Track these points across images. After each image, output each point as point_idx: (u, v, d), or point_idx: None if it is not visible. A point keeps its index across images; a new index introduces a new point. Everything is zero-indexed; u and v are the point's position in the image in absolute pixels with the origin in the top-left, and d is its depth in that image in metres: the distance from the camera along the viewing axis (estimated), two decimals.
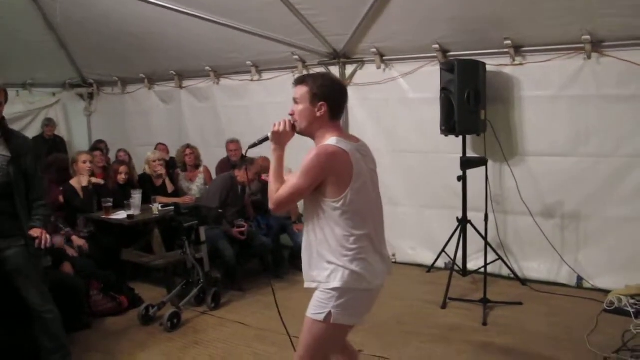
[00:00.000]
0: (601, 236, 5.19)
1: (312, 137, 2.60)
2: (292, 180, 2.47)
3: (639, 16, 4.52)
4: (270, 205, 2.54)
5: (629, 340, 4.13)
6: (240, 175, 5.71)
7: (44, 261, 4.37)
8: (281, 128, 2.56)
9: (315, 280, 2.52)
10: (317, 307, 2.48)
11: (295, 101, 2.57)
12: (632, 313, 4.60)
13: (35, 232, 3.44)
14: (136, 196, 5.61)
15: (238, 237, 5.48)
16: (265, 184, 6.16)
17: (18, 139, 3.54)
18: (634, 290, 4.89)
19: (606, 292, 5.02)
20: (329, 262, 2.46)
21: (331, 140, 2.49)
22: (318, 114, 2.52)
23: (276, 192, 2.50)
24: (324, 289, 2.47)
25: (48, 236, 3.52)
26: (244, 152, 2.66)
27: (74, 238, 5.12)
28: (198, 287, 4.92)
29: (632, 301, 4.76)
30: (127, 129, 8.81)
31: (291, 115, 2.58)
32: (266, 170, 6.09)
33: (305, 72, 6.69)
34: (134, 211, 5.52)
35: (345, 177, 2.43)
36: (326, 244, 2.48)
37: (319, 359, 2.61)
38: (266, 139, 2.63)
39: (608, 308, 4.77)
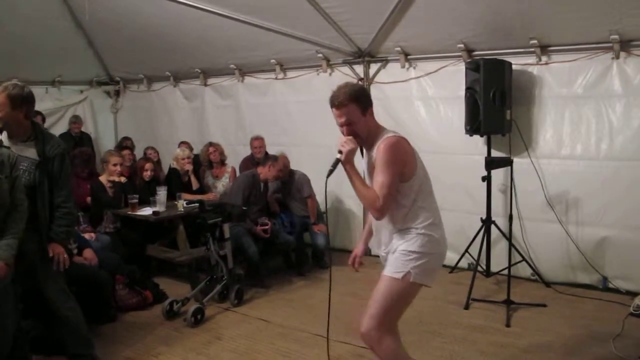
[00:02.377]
0: (627, 239, 5.10)
1: (368, 139, 2.84)
2: (379, 180, 2.68)
3: None
4: (376, 214, 2.73)
5: None
6: (263, 172, 5.76)
7: (72, 249, 4.48)
8: (350, 147, 2.74)
9: (395, 247, 2.83)
10: (397, 267, 2.78)
11: (348, 122, 2.76)
12: None
13: (53, 250, 3.44)
14: (161, 193, 5.69)
15: (261, 235, 5.53)
16: (284, 183, 6.20)
17: (52, 145, 3.50)
18: None
19: (633, 295, 4.94)
20: (410, 230, 2.80)
21: (388, 132, 2.81)
22: (369, 119, 2.81)
23: (373, 199, 2.67)
24: (404, 251, 2.78)
25: (66, 256, 3.53)
26: (325, 180, 2.83)
27: (86, 251, 4.73)
28: (221, 284, 4.98)
29: None
30: (152, 126, 8.92)
31: (352, 137, 2.77)
32: (286, 167, 6.14)
33: (329, 71, 6.72)
34: (159, 207, 5.60)
35: (412, 159, 2.80)
36: (405, 217, 2.80)
37: (391, 318, 2.88)
38: (338, 161, 2.77)
39: (635, 312, 4.69)
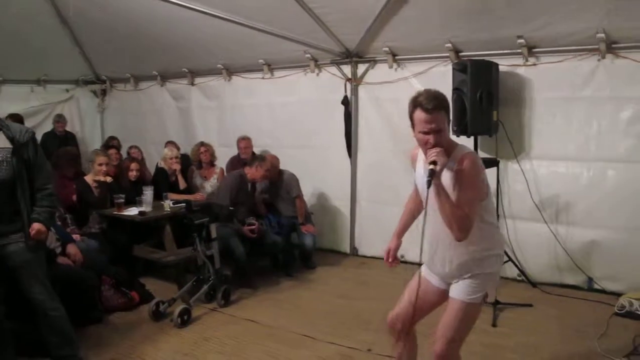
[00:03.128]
0: (612, 240, 5.15)
1: (447, 152, 2.61)
2: (467, 197, 2.54)
3: None
4: (461, 235, 2.54)
5: (639, 344, 4.12)
6: (250, 172, 5.74)
7: (55, 248, 4.43)
8: (444, 158, 2.51)
9: (471, 272, 2.69)
10: (473, 292, 2.68)
11: (438, 129, 2.54)
12: None
13: (34, 228, 3.37)
14: (147, 193, 5.65)
15: (249, 235, 5.51)
16: (272, 183, 6.18)
17: (21, 131, 3.43)
18: None
19: (617, 295, 4.99)
20: (485, 251, 2.69)
21: (464, 147, 2.69)
22: (449, 132, 2.68)
23: (462, 218, 2.51)
24: (479, 274, 2.68)
25: (46, 231, 3.47)
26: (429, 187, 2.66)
27: (70, 247, 4.71)
28: (208, 284, 4.95)
29: None
30: (138, 126, 8.87)
31: (433, 144, 2.54)
32: (275, 168, 6.14)
33: (317, 71, 6.72)
34: (146, 208, 5.56)
35: (485, 177, 2.68)
36: (480, 236, 2.64)
37: (464, 340, 2.80)
38: (433, 172, 2.49)
39: (619, 311, 4.75)
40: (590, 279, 5.28)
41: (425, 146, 2.57)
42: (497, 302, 4.67)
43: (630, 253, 5.07)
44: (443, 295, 2.86)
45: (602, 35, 4.84)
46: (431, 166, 2.48)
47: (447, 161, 2.52)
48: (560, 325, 4.49)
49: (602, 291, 5.19)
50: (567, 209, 5.31)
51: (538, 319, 4.64)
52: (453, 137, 4.86)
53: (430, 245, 2.83)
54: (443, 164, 2.49)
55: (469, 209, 2.51)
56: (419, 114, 2.55)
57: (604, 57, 5.02)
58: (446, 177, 2.58)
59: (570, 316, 4.72)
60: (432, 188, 2.48)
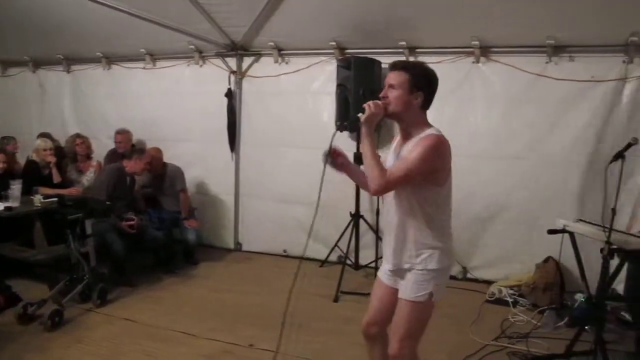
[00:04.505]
0: (483, 230, 5.52)
1: (402, 122, 2.63)
2: (406, 164, 2.46)
3: (522, 25, 4.86)
4: (375, 186, 2.48)
5: (507, 328, 4.46)
6: (129, 165, 5.52)
7: None
8: (375, 110, 2.51)
9: (412, 263, 2.61)
10: (418, 289, 2.59)
11: (392, 86, 2.55)
12: (510, 303, 4.96)
13: None
14: (15, 187, 5.25)
15: (127, 231, 5.28)
16: (156, 177, 6.00)
17: None
18: (513, 281, 5.25)
19: (489, 283, 5.39)
20: (430, 245, 2.59)
21: (435, 130, 2.57)
22: (414, 102, 2.55)
23: (379, 173, 2.46)
24: (423, 270, 2.59)
25: None
26: (335, 131, 2.69)
27: None
28: (83, 283, 4.70)
29: (511, 291, 5.13)
30: (7, 115, 8.14)
31: (384, 97, 2.56)
32: (157, 160, 5.94)
33: (201, 63, 6.59)
34: (13, 203, 5.17)
35: (448, 164, 2.58)
36: (426, 228, 2.58)
37: (418, 340, 2.72)
38: (357, 119, 2.55)
39: (490, 299, 5.11)
40: (464, 269, 5.60)
41: None
42: None
43: (500, 244, 5.47)
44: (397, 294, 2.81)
45: (477, 42, 5.18)
46: (359, 114, 2.54)
47: (378, 114, 2.52)
48: (436, 314, 4.60)
49: (475, 280, 5.54)
50: None
51: None
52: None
53: (385, 230, 2.80)
54: (371, 114, 2.50)
55: (396, 172, 2.47)
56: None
57: (477, 61, 5.36)
58: (405, 151, 2.58)
59: (445, 305, 4.89)
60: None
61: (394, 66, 2.60)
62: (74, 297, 4.65)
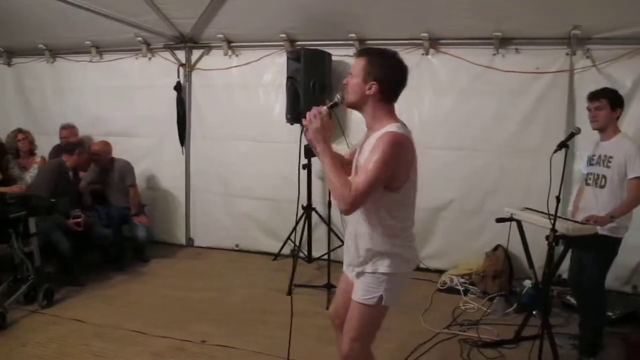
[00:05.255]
0: (432, 221, 5.59)
1: (362, 113, 2.50)
2: (367, 175, 2.28)
3: (469, 18, 4.95)
4: (344, 206, 2.31)
5: (458, 315, 4.56)
6: (70, 160, 5.34)
7: None
8: (316, 125, 2.39)
9: (364, 266, 2.53)
10: (368, 292, 2.52)
11: (351, 73, 2.45)
12: (461, 291, 5.05)
13: None
14: None
15: (74, 229, 5.12)
16: (103, 171, 5.84)
17: None
18: (463, 269, 5.35)
19: (440, 272, 5.48)
20: (380, 249, 2.48)
21: (396, 127, 2.38)
22: (368, 92, 2.41)
23: (345, 192, 2.29)
24: (373, 274, 2.50)
25: None
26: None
27: None
28: (27, 284, 4.54)
29: (462, 280, 5.23)
30: None
31: (345, 84, 2.48)
32: (105, 154, 5.78)
33: (149, 56, 6.45)
34: None
35: (408, 167, 2.42)
36: (377, 232, 2.47)
37: (370, 341, 2.67)
38: (306, 128, 2.41)
39: (441, 287, 5.21)
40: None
41: None
42: (331, 286, 4.80)
43: (450, 234, 5.58)
44: None
45: (426, 34, 5.24)
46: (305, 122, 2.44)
47: (323, 128, 2.40)
48: None
49: (427, 270, 5.61)
50: None
51: None
52: (284, 126, 4.88)
53: (346, 227, 2.75)
54: (315, 130, 2.40)
55: (362, 184, 2.28)
56: None
57: (427, 53, 5.41)
58: (366, 150, 2.44)
59: None
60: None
61: (358, 52, 2.56)
62: (18, 298, 4.49)
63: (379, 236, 2.48)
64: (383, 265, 2.49)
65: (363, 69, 2.42)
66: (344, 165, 2.59)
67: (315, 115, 2.41)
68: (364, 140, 2.55)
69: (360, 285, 2.56)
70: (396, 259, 2.50)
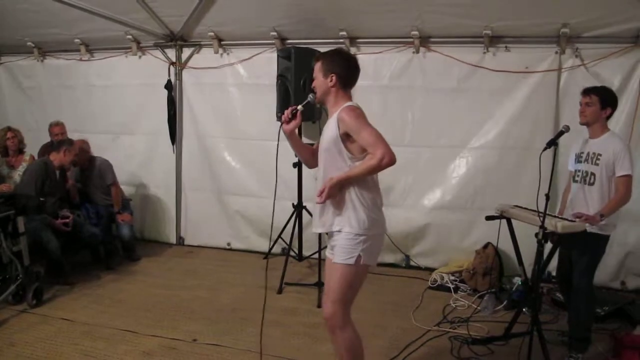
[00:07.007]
0: (424, 219, 5.60)
1: (326, 103, 2.95)
2: (364, 136, 2.71)
3: (460, 16, 4.96)
4: (388, 161, 2.69)
5: (448, 313, 4.57)
6: (57, 158, 5.29)
7: None
8: (290, 127, 3.02)
9: (338, 226, 2.82)
10: (346, 253, 2.79)
11: (314, 77, 2.93)
12: (452, 288, 5.07)
13: None
14: None
15: (63, 230, 5.08)
16: (83, 170, 5.78)
17: None
18: (454, 267, 5.37)
19: (431, 270, 5.50)
20: (354, 211, 2.79)
21: (349, 103, 2.86)
22: (330, 84, 2.87)
23: (378, 158, 2.68)
24: (349, 235, 2.78)
25: None
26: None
27: None
28: (16, 284, 4.51)
29: (452, 278, 5.24)
30: None
31: (313, 86, 2.95)
32: (83, 153, 5.71)
33: (140, 54, 6.43)
34: None
35: None
36: (350, 196, 2.80)
37: (350, 301, 2.90)
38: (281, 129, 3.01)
39: (432, 285, 5.22)
40: (407, 257, 5.69)
41: None
42: (321, 284, 4.81)
43: (441, 232, 5.58)
44: None
45: (416, 32, 5.24)
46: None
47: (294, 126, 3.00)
48: (380, 302, 4.77)
49: (418, 267, 5.63)
50: (385, 191, 5.61)
51: (359, 296, 4.81)
52: (275, 124, 4.90)
53: (317, 208, 2.95)
54: (287, 130, 3.01)
55: (376, 143, 2.69)
56: None
57: (417, 52, 5.43)
58: (325, 131, 2.89)
59: (389, 292, 5.05)
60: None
61: (314, 59, 2.97)
62: (6, 298, 4.47)
63: (353, 198, 2.81)
64: (361, 226, 2.78)
65: (320, 68, 2.90)
66: (314, 153, 3.06)
67: (291, 112, 2.96)
68: (326, 125, 2.94)
69: (338, 247, 2.83)
70: (370, 220, 2.80)
